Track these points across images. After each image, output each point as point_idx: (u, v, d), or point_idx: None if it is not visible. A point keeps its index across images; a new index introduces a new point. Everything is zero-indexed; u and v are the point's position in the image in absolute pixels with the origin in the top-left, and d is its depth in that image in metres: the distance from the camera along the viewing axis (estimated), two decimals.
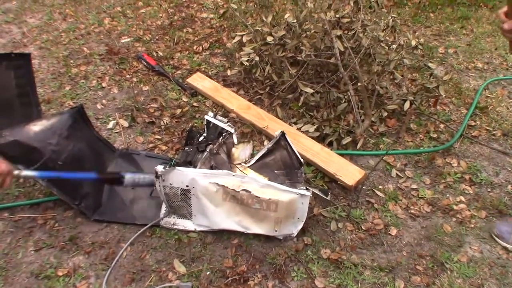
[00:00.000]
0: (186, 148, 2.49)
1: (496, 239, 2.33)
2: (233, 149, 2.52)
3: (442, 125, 3.03)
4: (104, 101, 3.27)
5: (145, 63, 3.63)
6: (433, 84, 2.97)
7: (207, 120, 2.56)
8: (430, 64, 3.09)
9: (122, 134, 2.98)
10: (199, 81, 3.38)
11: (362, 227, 2.40)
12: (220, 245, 2.31)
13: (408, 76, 3.41)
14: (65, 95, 3.32)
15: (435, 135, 2.95)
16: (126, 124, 3.06)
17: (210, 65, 3.67)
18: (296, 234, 2.31)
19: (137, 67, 3.64)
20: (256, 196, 2.15)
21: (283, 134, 2.39)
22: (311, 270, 2.20)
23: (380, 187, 2.62)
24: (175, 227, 2.37)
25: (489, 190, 2.62)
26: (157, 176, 2.21)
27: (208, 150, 2.41)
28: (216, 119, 2.53)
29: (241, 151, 2.53)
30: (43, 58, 3.72)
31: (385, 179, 2.68)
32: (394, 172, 2.71)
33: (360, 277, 2.17)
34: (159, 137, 2.96)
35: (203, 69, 3.60)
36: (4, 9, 4.55)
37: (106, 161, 2.69)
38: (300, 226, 2.29)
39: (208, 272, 2.19)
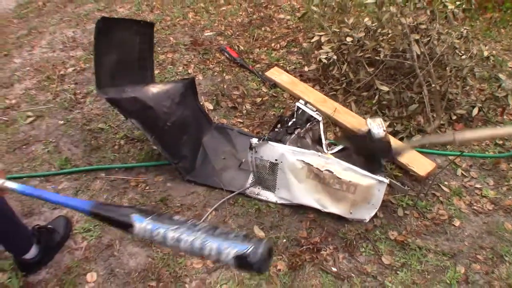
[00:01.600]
0: (276, 129, 2.74)
1: None
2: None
3: None
4: None
5: (228, 55, 3.92)
6: (502, 93, 3.12)
7: (297, 106, 2.81)
8: (500, 75, 3.23)
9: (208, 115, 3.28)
10: (277, 74, 3.64)
11: (428, 216, 2.58)
12: (296, 218, 2.56)
13: (477, 86, 3.55)
14: (156, 77, 3.65)
15: (500, 142, 3.09)
16: (211, 107, 3.35)
17: (287, 61, 3.93)
18: (368, 220, 2.51)
19: (219, 58, 3.94)
20: (338, 177, 2.38)
21: (369, 131, 2.56)
22: (378, 248, 2.40)
23: (446, 183, 2.79)
24: (258, 197, 2.63)
25: None
26: (251, 148, 2.49)
27: (296, 133, 2.66)
28: (306, 106, 2.77)
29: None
30: None
31: (451, 177, 2.85)
32: (459, 171, 2.87)
33: (424, 259, 2.36)
34: (241, 121, 3.24)
35: (281, 64, 3.87)
36: None
37: (204, 131, 3.02)
38: (373, 213, 2.50)
39: (285, 240, 2.43)
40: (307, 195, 2.50)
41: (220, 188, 2.70)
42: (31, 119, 3.26)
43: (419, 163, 2.77)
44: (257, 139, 2.51)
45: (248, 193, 2.66)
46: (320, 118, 2.75)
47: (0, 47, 4.13)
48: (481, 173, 2.88)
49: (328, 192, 2.45)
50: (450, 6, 3.22)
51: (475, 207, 2.65)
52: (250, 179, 2.71)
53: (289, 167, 2.48)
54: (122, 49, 2.75)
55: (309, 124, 2.73)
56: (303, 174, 2.46)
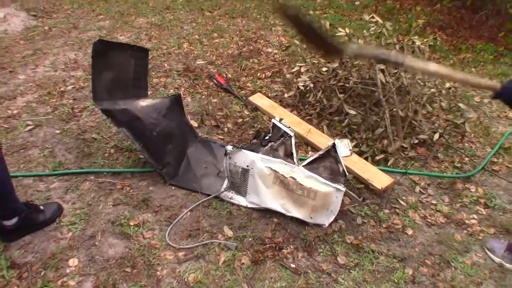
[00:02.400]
0: (253, 142, 3.04)
1: (488, 252, 2.68)
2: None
3: (467, 158, 3.45)
4: None
5: (216, 81, 4.26)
6: (460, 120, 3.42)
7: (273, 123, 3.11)
8: (460, 105, 3.55)
9: None
10: (259, 99, 3.96)
11: (383, 225, 2.83)
12: (262, 221, 2.81)
13: (442, 116, 3.85)
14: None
15: (459, 165, 3.37)
16: (196, 124, 3.65)
17: (270, 89, 4.26)
18: (327, 225, 2.76)
19: (208, 84, 4.27)
20: (300, 184, 2.66)
21: (334, 145, 2.87)
22: (335, 249, 2.64)
23: (404, 198, 3.05)
24: (231, 200, 2.90)
25: (501, 213, 2.99)
26: (225, 154, 2.80)
27: (269, 145, 2.95)
28: (281, 123, 3.07)
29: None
30: None
31: (409, 193, 3.11)
32: (417, 188, 3.14)
33: (376, 260, 2.59)
34: (222, 137, 3.53)
35: (264, 91, 4.19)
36: (98, 26, 5.40)
37: (189, 143, 3.32)
38: (331, 218, 2.75)
39: (250, 239, 2.67)
40: (273, 200, 2.77)
41: (198, 192, 2.96)
42: (30, 127, 3.55)
43: (378, 179, 3.04)
44: (231, 146, 2.80)
45: (222, 197, 2.93)
46: (292, 134, 3.03)
47: (6, 64, 4.47)
48: (437, 191, 3.14)
49: (291, 197, 2.72)
50: (417, 43, 3.58)
51: (428, 220, 2.90)
52: (225, 184, 2.97)
53: (259, 173, 2.76)
54: (118, 68, 3.09)
55: (282, 138, 3.01)
56: (270, 180, 2.74)
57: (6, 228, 2.53)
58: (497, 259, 2.64)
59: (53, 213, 2.72)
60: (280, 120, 3.12)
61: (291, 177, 2.68)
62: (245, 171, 2.81)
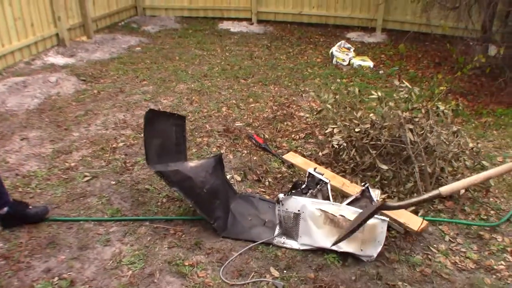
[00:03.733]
0: (293, 191, 3.36)
1: None
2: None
3: (492, 211, 3.68)
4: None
5: (254, 141, 4.63)
6: None
7: (309, 172, 3.43)
8: (484, 162, 3.84)
9: (236, 184, 3.89)
10: (292, 157, 4.31)
11: (417, 269, 3.06)
12: (306, 263, 3.06)
13: (467, 174, 4.13)
14: (192, 154, 4.33)
15: (485, 217, 3.61)
16: (239, 178, 3.98)
17: (304, 148, 4.61)
18: (375, 256, 3.04)
19: (247, 143, 4.64)
20: (349, 220, 2.97)
21: (367, 187, 3.21)
22: None
23: (435, 245, 3.28)
24: (284, 245, 3.19)
25: None
26: (278, 202, 3.12)
27: (309, 192, 3.27)
28: (315, 172, 3.39)
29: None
30: None
31: (439, 241, 3.34)
32: (447, 237, 3.37)
33: None
34: (264, 190, 3.85)
35: (299, 150, 4.54)
36: (143, 91, 5.90)
37: (230, 198, 3.59)
38: (379, 249, 3.04)
39: (296, 279, 2.91)
40: (325, 238, 3.07)
41: (250, 240, 3.24)
42: (87, 178, 3.92)
43: (413, 222, 3.31)
44: (283, 194, 3.13)
45: (275, 243, 3.21)
46: (327, 181, 3.36)
47: (61, 123, 4.93)
48: (466, 240, 3.37)
49: (341, 233, 2.99)
50: (441, 107, 3.94)
51: (459, 266, 3.12)
52: (277, 230, 3.27)
53: (310, 216, 3.09)
54: (163, 135, 3.52)
55: (318, 185, 3.33)
56: (321, 220, 3.07)
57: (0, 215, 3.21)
58: None
59: (41, 211, 3.36)
60: (315, 169, 3.45)
61: (340, 215, 3.01)
62: (297, 215, 3.13)
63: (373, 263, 3.06)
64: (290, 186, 3.58)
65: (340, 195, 3.71)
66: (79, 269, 2.96)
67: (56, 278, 2.87)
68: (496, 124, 5.26)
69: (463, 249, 3.28)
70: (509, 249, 3.29)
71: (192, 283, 2.86)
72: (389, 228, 3.25)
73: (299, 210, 3.12)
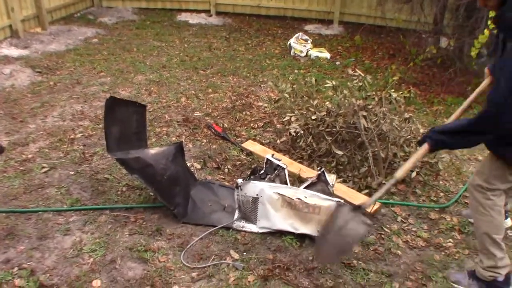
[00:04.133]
0: (252, 177, 3.44)
1: (454, 285, 2.98)
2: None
3: (442, 194, 3.87)
4: None
5: (213, 131, 4.68)
6: (434, 160, 3.89)
7: (267, 159, 3.53)
8: None
9: (195, 172, 3.93)
10: (251, 145, 4.39)
11: (371, 248, 3.20)
12: (265, 246, 3.15)
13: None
14: (152, 144, 4.35)
15: (435, 199, 3.80)
16: (199, 166, 4.04)
17: (263, 137, 4.70)
18: None
19: (207, 133, 4.69)
20: (306, 202, 3.09)
21: (323, 171, 3.34)
22: (331, 268, 2.99)
23: (388, 226, 3.44)
24: (244, 229, 3.28)
25: (473, 238, 3.37)
26: (237, 187, 3.20)
27: (267, 178, 3.36)
28: (273, 158, 3.48)
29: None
30: None
31: (392, 222, 3.49)
32: (399, 218, 3.53)
33: (366, 276, 2.94)
34: (223, 177, 3.91)
35: (258, 138, 4.62)
36: (101, 82, 5.87)
37: (190, 185, 3.64)
38: None
39: (255, 260, 3.00)
40: (283, 221, 3.18)
41: (210, 225, 3.30)
42: (45, 169, 3.89)
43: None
44: (241, 179, 3.21)
45: (235, 227, 3.29)
46: (285, 166, 3.47)
47: (16, 115, 4.85)
48: (417, 220, 3.53)
49: (299, 216, 3.14)
50: (394, 95, 4.10)
51: (410, 244, 3.28)
52: (236, 215, 3.35)
53: (268, 199, 3.18)
54: (123, 123, 3.51)
55: (276, 171, 3.43)
56: (278, 204, 3.17)
57: None
58: None
59: None
60: (272, 155, 3.55)
61: (297, 198, 3.12)
62: (255, 200, 3.22)
63: None
64: (249, 173, 3.66)
65: (297, 181, 3.82)
66: (39, 259, 2.95)
67: (16, 268, 2.86)
68: (446, 112, 5.49)
69: (414, 229, 3.44)
70: (457, 227, 3.48)
71: (153, 267, 2.91)
72: None
73: (257, 194, 3.20)
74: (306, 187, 3.34)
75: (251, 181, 3.22)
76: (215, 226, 3.28)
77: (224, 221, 3.33)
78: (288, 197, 3.12)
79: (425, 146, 2.65)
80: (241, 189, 3.23)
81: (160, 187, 3.32)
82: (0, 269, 2.85)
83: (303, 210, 3.10)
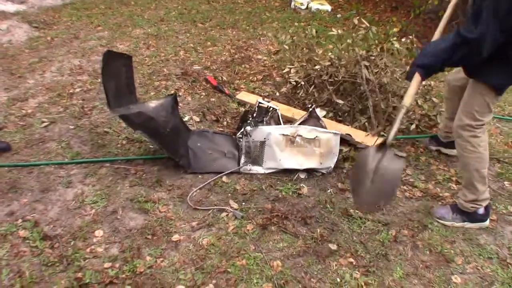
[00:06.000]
0: (248, 122, 3.52)
1: (439, 221, 3.07)
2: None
3: None
4: (181, 104, 4.26)
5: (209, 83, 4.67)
6: (433, 112, 3.88)
7: (258, 102, 3.65)
8: (434, 99, 4.01)
9: (194, 125, 3.95)
10: (245, 96, 4.42)
11: None
12: (263, 195, 3.20)
13: (418, 111, 4.30)
14: (150, 97, 4.35)
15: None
16: (197, 119, 4.04)
17: (262, 90, 4.68)
18: (333, 167, 3.38)
19: (206, 86, 4.68)
20: (306, 138, 3.28)
21: (314, 108, 3.55)
22: (329, 217, 3.04)
23: None
24: (251, 172, 3.42)
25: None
26: (246, 134, 3.34)
27: (264, 121, 3.53)
28: (264, 101, 3.65)
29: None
30: None
31: None
32: None
33: (363, 225, 3.00)
34: (222, 129, 3.93)
35: (256, 92, 4.61)
36: (98, 36, 5.80)
37: (186, 136, 3.65)
38: (335, 160, 3.39)
39: (254, 210, 3.05)
40: (288, 159, 3.37)
41: (217, 172, 3.38)
42: (45, 124, 3.89)
43: (367, 139, 3.63)
44: (249, 127, 3.37)
45: (242, 171, 3.41)
46: (277, 108, 3.63)
47: (14, 70, 4.82)
48: (414, 171, 3.57)
49: (301, 152, 3.33)
50: (396, 45, 4.05)
51: (407, 194, 3.32)
52: (242, 159, 3.43)
53: (275, 141, 3.33)
54: (117, 76, 3.48)
55: (270, 113, 3.59)
56: (283, 144, 3.34)
57: None
58: (449, 223, 3.04)
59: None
60: (263, 98, 3.64)
61: (298, 135, 3.28)
62: (262, 143, 3.36)
63: (326, 193, 3.23)
64: (239, 119, 3.76)
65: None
66: (42, 211, 3.00)
67: (20, 220, 2.90)
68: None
69: (411, 180, 3.48)
70: (454, 178, 3.51)
71: (154, 217, 2.96)
72: (344, 140, 3.54)
73: (264, 138, 3.34)
74: (299, 124, 3.52)
75: (259, 127, 3.38)
76: (221, 172, 3.36)
77: (230, 166, 3.43)
78: (291, 136, 3.29)
79: (417, 77, 2.66)
80: (250, 136, 3.36)
81: (164, 140, 3.34)
82: (5, 221, 2.89)
83: (305, 146, 3.32)
